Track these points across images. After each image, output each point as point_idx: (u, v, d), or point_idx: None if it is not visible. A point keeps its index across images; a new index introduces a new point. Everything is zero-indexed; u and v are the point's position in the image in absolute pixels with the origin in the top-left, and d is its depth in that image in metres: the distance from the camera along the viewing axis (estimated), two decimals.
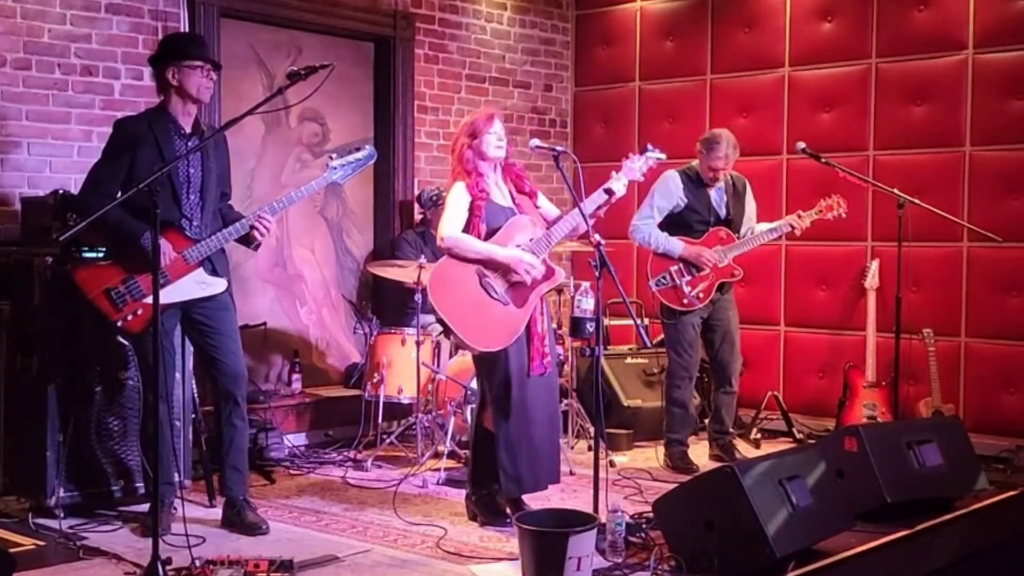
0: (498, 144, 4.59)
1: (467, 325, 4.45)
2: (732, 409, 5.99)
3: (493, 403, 4.55)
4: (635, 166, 4.66)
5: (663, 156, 4.80)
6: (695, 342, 5.82)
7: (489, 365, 4.55)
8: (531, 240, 4.56)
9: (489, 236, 4.53)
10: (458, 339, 4.53)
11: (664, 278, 5.72)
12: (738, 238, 5.79)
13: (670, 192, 5.71)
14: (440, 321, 4.58)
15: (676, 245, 5.70)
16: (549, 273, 4.59)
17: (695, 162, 5.84)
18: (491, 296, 4.49)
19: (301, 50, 6.54)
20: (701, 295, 5.72)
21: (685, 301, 5.71)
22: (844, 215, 5.82)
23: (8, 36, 5.20)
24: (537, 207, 4.75)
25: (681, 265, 5.70)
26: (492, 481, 4.63)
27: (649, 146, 4.74)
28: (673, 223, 5.75)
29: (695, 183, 5.75)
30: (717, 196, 5.80)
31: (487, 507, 4.67)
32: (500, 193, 4.65)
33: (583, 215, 4.42)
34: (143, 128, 4.41)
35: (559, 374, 6.17)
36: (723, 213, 5.81)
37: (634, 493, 5.22)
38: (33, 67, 5.29)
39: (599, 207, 4.57)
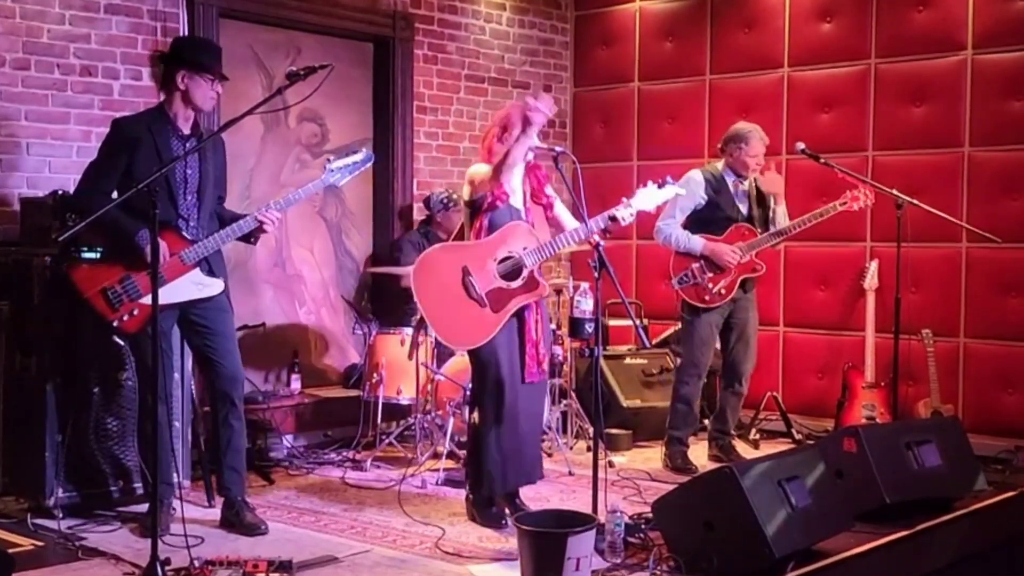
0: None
1: (439, 316, 4.48)
2: (737, 410, 5.99)
3: (483, 405, 4.58)
4: (651, 198, 4.62)
5: (683, 191, 4.86)
6: (710, 341, 5.82)
7: (481, 366, 4.58)
8: (525, 249, 4.55)
9: (490, 234, 4.55)
10: (429, 328, 4.55)
11: (686, 276, 5.73)
12: (759, 234, 5.79)
13: (692, 192, 5.71)
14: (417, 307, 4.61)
15: (697, 242, 5.71)
16: (533, 286, 4.58)
17: (718, 163, 5.86)
18: (470, 295, 4.49)
19: (300, 50, 6.54)
20: (723, 291, 5.72)
21: (707, 297, 5.72)
22: (870, 204, 5.76)
23: (7, 36, 5.20)
24: (552, 217, 4.74)
25: (703, 262, 5.71)
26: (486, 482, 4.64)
27: (669, 179, 4.70)
28: (696, 221, 5.77)
29: (717, 181, 5.77)
30: (740, 194, 5.81)
31: (485, 507, 4.67)
32: (515, 194, 4.65)
33: (585, 226, 4.41)
34: (141, 129, 4.41)
35: (558, 374, 6.19)
36: (745, 211, 5.82)
37: (633, 493, 5.21)
38: (32, 67, 5.28)
39: (603, 230, 4.53)
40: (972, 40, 6.37)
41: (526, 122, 4.48)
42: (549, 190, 4.75)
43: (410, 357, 5.80)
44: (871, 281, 6.49)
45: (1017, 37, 6.23)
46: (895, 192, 5.68)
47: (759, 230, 5.79)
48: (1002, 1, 6.29)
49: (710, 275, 5.71)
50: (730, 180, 5.81)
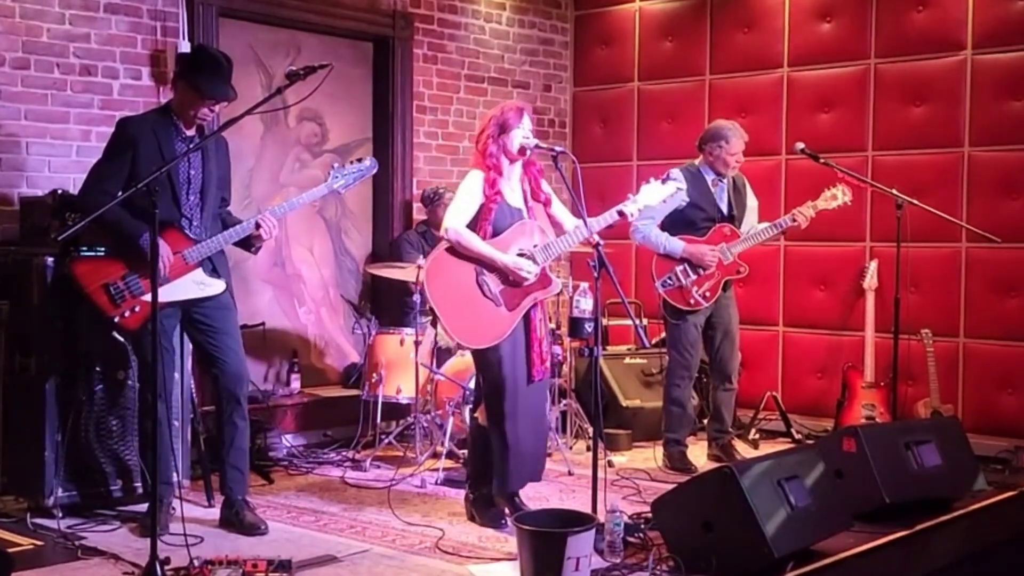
0: (524, 141, 4.56)
1: (455, 318, 4.46)
2: (731, 407, 5.98)
3: (487, 403, 4.57)
4: (656, 193, 4.64)
5: (684, 186, 4.89)
6: (697, 342, 5.82)
7: (485, 364, 4.56)
8: (535, 247, 4.56)
9: (494, 237, 4.54)
10: (444, 330, 4.54)
11: (670, 279, 5.71)
12: (741, 234, 5.78)
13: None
14: (431, 309, 4.61)
15: (677, 245, 5.69)
16: (546, 282, 4.58)
17: (697, 161, 5.84)
18: (484, 294, 4.48)
19: (300, 50, 6.54)
20: (707, 294, 5.71)
21: (691, 301, 5.71)
22: (849, 203, 5.76)
23: (7, 36, 5.20)
24: (551, 214, 4.73)
25: (686, 265, 5.70)
26: (488, 481, 4.64)
27: (671, 172, 4.83)
28: (677, 221, 5.73)
29: (698, 180, 5.74)
30: (719, 193, 5.80)
31: (484, 507, 4.67)
32: (514, 193, 4.63)
33: (588, 229, 4.41)
34: (145, 128, 4.42)
35: (558, 374, 6.19)
36: (726, 210, 5.81)
37: (632, 493, 5.21)
38: (32, 67, 5.28)
39: (610, 226, 4.57)
40: (972, 40, 6.37)
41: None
42: (545, 187, 4.75)
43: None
44: (871, 281, 6.49)
45: (1017, 37, 6.23)
46: (895, 192, 5.68)
47: (741, 230, 5.78)
48: (1002, 1, 6.29)
49: (694, 278, 5.69)
50: (709, 179, 5.78)
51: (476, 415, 4.69)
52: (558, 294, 6.35)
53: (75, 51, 5.43)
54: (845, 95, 6.81)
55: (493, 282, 4.50)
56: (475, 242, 4.48)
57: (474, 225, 4.55)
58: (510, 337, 4.51)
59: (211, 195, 4.52)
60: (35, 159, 5.33)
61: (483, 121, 4.69)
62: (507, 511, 4.60)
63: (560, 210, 4.76)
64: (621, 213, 4.53)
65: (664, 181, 4.66)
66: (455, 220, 4.50)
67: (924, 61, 6.54)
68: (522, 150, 4.56)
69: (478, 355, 4.58)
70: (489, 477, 4.62)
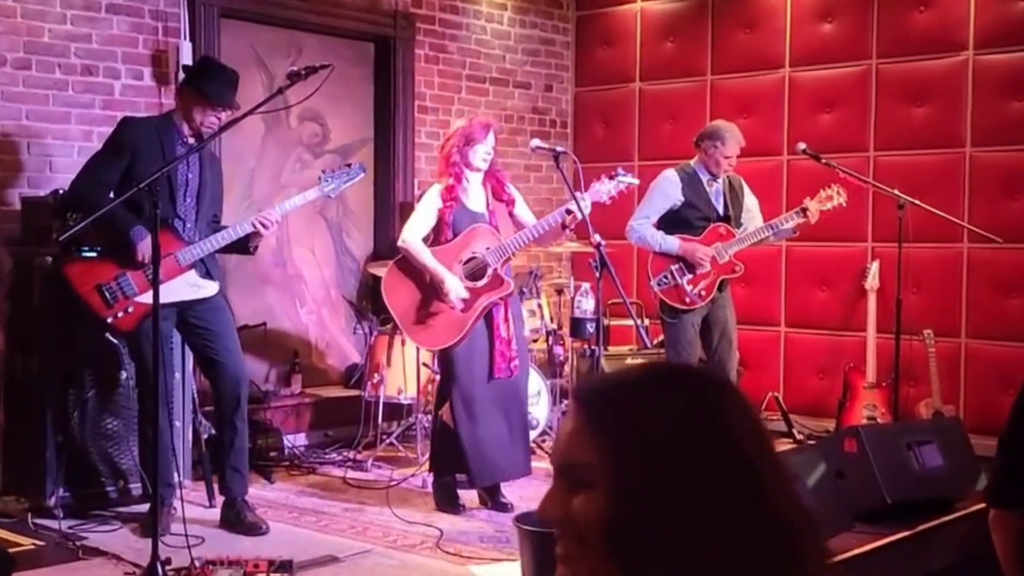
0: (485, 157, 4.73)
1: (411, 321, 4.69)
2: None
3: (451, 400, 4.72)
4: (603, 189, 4.74)
5: (636, 182, 4.92)
6: (695, 341, 5.81)
7: (447, 366, 4.75)
8: (487, 249, 4.67)
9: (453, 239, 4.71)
10: (402, 333, 4.74)
11: (666, 277, 5.70)
12: (737, 234, 5.77)
13: (667, 193, 5.70)
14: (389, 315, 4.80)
15: (672, 243, 5.68)
16: (497, 283, 4.68)
17: (692, 161, 5.83)
18: (439, 297, 4.66)
19: (301, 50, 6.53)
20: (703, 293, 5.70)
21: (687, 300, 5.70)
22: (844, 204, 5.74)
23: (8, 36, 5.19)
24: (514, 215, 4.87)
25: (682, 264, 5.69)
26: (450, 470, 4.84)
27: (620, 171, 4.83)
28: (673, 221, 5.72)
29: (693, 180, 5.74)
30: (715, 193, 5.79)
31: (445, 494, 4.85)
32: (476, 198, 4.77)
33: (546, 222, 4.57)
34: (149, 131, 4.44)
35: (559, 375, 6.19)
36: (721, 210, 5.80)
37: None
38: (33, 67, 5.28)
39: (561, 224, 4.67)
40: (973, 40, 6.36)
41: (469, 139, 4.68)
42: (511, 189, 4.88)
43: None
44: (872, 281, 6.48)
45: (1018, 37, 6.23)
46: (896, 192, 5.67)
47: (737, 230, 5.77)
48: (1003, 1, 6.29)
49: (689, 276, 5.68)
50: (704, 178, 5.77)
51: (441, 413, 4.83)
52: (559, 292, 6.37)
53: (76, 51, 5.43)
54: (846, 95, 6.80)
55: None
56: (424, 256, 4.66)
57: (437, 231, 4.73)
58: (469, 338, 4.63)
59: (206, 201, 4.55)
60: (36, 159, 5.33)
61: (450, 131, 4.85)
62: (489, 503, 4.83)
63: (523, 211, 4.91)
64: (568, 211, 4.61)
65: (612, 177, 4.75)
66: (410, 233, 4.71)
67: (925, 61, 6.53)
68: (482, 165, 4.71)
69: (441, 355, 4.79)
70: (449, 466, 4.81)
